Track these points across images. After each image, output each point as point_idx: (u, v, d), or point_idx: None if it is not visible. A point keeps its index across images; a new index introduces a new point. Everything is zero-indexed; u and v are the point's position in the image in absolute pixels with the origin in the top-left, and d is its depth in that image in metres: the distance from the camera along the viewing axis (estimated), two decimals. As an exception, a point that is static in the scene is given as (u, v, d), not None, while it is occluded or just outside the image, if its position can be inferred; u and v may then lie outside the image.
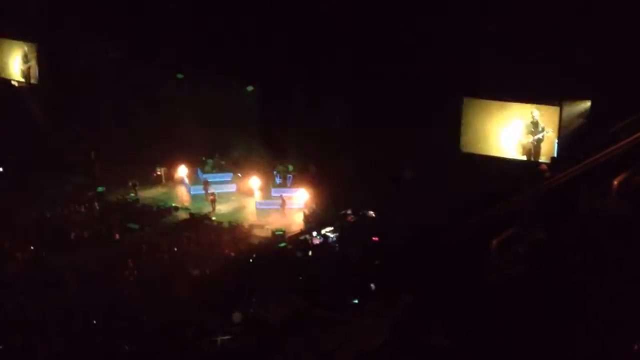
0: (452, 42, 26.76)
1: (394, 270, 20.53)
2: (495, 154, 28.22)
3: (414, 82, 27.54)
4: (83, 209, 31.30)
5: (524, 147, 27.68)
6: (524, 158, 27.63)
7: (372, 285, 20.19)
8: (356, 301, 19.20)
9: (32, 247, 26.04)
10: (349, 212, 29.62)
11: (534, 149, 27.48)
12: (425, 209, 26.30)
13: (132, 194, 33.86)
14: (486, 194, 24.69)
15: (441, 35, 26.92)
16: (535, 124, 27.32)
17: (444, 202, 24.67)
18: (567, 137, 26.61)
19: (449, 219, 24.50)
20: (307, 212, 31.43)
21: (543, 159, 26.92)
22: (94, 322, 19.68)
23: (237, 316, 19.47)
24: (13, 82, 39.63)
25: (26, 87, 39.23)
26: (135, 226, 29.47)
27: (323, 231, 28.16)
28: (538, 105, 27.23)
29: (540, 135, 27.22)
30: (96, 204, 32.02)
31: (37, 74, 38.62)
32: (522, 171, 25.73)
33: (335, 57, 29.85)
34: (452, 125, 28.76)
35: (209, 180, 34.63)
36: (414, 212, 26.09)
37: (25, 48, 39.02)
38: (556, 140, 26.75)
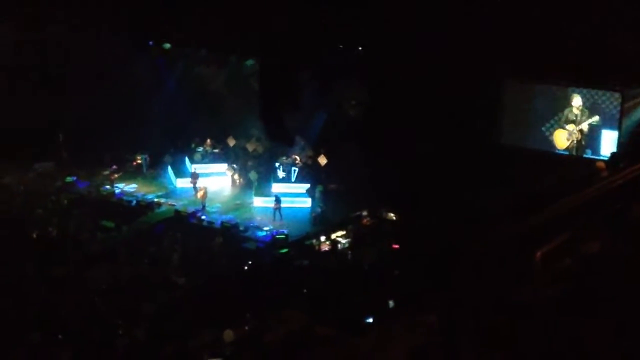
0: (491, 11, 26.56)
1: (416, 285, 20.50)
2: (540, 147, 28.11)
3: (444, 60, 27.38)
4: (48, 203, 31.33)
5: (568, 139, 27.61)
6: (571, 152, 27.54)
7: (390, 302, 20.14)
8: (370, 320, 19.15)
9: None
10: (365, 213, 29.61)
11: (578, 142, 27.37)
12: (455, 211, 26.28)
13: (107, 186, 33.94)
14: (528, 195, 24.71)
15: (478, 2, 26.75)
16: (582, 112, 27.18)
17: (477, 203, 24.60)
18: (630, 129, 26.42)
19: (482, 223, 24.51)
20: (314, 212, 31.41)
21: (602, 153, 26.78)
22: (57, 337, 19.67)
23: (228, 334, 19.42)
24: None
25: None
26: (110, 224, 29.53)
27: (333, 236, 28.12)
28: (591, 90, 27.07)
29: (585, 124, 27.11)
30: (64, 196, 32.10)
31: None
32: (573, 168, 25.68)
33: (352, 28, 29.71)
34: (489, 112, 28.63)
35: (198, 171, 34.66)
36: (442, 215, 26.05)
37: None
38: (617, 133, 26.56)
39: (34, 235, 27.96)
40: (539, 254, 14.14)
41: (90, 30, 34.67)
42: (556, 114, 27.79)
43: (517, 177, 25.78)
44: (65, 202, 31.77)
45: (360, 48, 31.05)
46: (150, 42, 36.32)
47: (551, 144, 28.02)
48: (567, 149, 27.72)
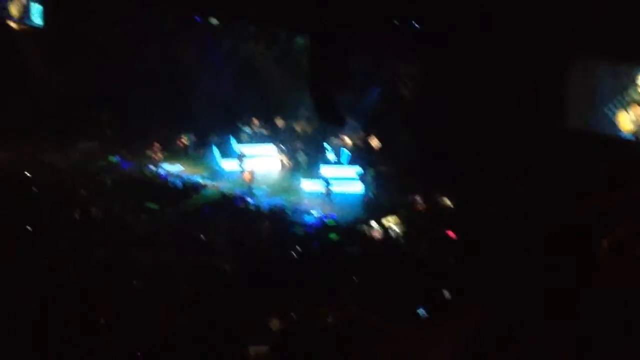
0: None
1: (473, 275, 20.32)
2: (603, 129, 27.54)
3: (506, 38, 26.96)
4: (91, 183, 31.69)
5: (633, 121, 26.99)
6: (637, 136, 26.92)
7: (445, 293, 19.99)
8: (423, 311, 19.03)
9: (27, 228, 26.31)
10: (418, 198, 29.39)
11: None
12: (516, 197, 25.99)
13: (152, 166, 34.22)
14: (595, 180, 24.33)
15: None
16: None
17: (539, 188, 24.28)
18: None
19: (545, 211, 24.18)
20: (365, 197, 31.28)
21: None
22: (99, 321, 19.86)
23: (275, 322, 19.46)
24: (9, 23, 39.93)
25: (26, 30, 39.54)
26: (155, 206, 29.72)
27: (384, 222, 27.98)
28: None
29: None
30: (108, 176, 32.44)
31: (37, 11, 38.59)
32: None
33: (408, 2, 29.43)
34: (554, 93, 28.12)
35: (244, 153, 34.67)
36: (501, 201, 25.79)
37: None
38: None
39: (77, 216, 28.24)
40: (605, 242, 13.91)
41: (135, 5, 34.88)
42: (620, 93, 27.16)
43: (581, 162, 25.41)
44: (109, 182, 32.05)
45: (416, 24, 30.68)
46: (197, 18, 36.42)
47: (616, 127, 27.42)
48: (632, 131, 27.09)
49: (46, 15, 37.83)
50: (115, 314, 20.05)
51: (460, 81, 28.78)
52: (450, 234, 25.83)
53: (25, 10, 38.46)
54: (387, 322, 17.89)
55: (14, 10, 38.66)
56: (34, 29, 38.47)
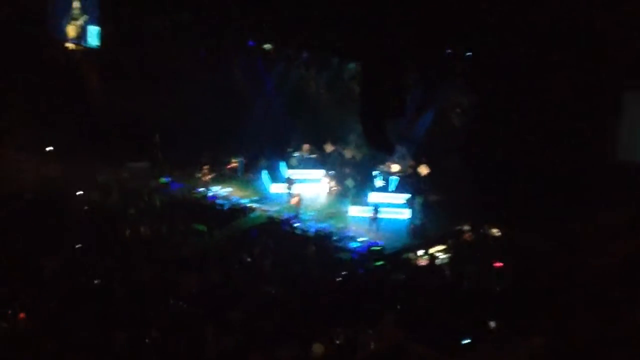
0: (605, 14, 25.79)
1: (521, 304, 20.09)
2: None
3: (557, 69, 26.81)
4: (141, 203, 32.09)
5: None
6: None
7: (492, 323, 19.79)
8: (468, 340, 18.85)
9: (74, 246, 26.61)
10: (466, 228, 29.24)
11: None
12: (566, 229, 25.69)
13: (201, 188, 34.50)
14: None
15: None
16: None
17: (589, 221, 23.97)
18: None
19: (594, 244, 23.87)
20: (412, 224, 31.17)
21: None
22: (144, 340, 20.00)
23: (318, 347, 19.37)
24: (67, 45, 40.59)
25: (81, 51, 40.17)
26: (203, 227, 29.93)
27: (431, 250, 27.85)
28: None
29: None
30: (157, 197, 32.83)
31: (94, 33, 39.10)
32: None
33: (460, 31, 29.41)
34: (607, 124, 27.84)
35: (293, 177, 34.85)
36: (550, 232, 25.52)
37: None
38: None
39: (126, 235, 28.53)
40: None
41: (190, 29, 35.32)
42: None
43: (633, 196, 25.10)
44: (159, 203, 32.35)
45: (468, 53, 30.67)
46: (251, 43, 36.80)
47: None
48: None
49: (103, 38, 38.41)
50: (160, 335, 20.19)
51: (513, 112, 28.68)
52: (498, 264, 25.63)
53: (83, 32, 39.08)
54: (430, 350, 17.73)
55: (72, 31, 39.33)
56: (91, 50, 39.10)
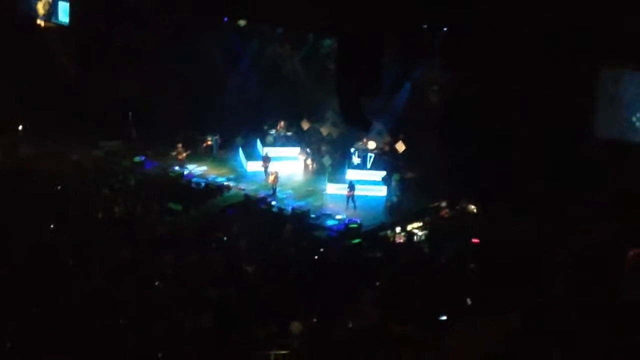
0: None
1: (497, 282, 20.24)
2: (631, 138, 27.21)
3: (534, 45, 26.85)
4: (115, 183, 31.96)
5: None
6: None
7: (468, 300, 19.96)
8: (445, 318, 19.00)
9: (50, 226, 26.49)
10: (443, 204, 29.39)
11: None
12: (542, 205, 25.85)
13: (176, 167, 34.42)
14: (621, 192, 24.15)
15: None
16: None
17: (567, 198, 24.12)
18: None
19: (572, 222, 24.06)
20: (389, 201, 31.29)
21: None
22: (121, 321, 20.00)
23: (295, 326, 19.44)
24: (37, 22, 40.02)
25: (52, 28, 39.63)
26: (178, 207, 29.92)
27: (409, 227, 28.02)
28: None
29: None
30: (131, 176, 32.73)
31: (64, 10, 38.66)
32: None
33: (437, 6, 29.35)
34: (581, 102, 27.92)
35: (270, 155, 34.85)
36: (528, 208, 25.66)
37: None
38: None
39: (100, 216, 28.43)
40: (631, 254, 13.82)
41: (163, 4, 35.07)
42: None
43: (608, 172, 25.25)
44: (133, 182, 32.24)
45: (444, 29, 30.65)
46: (225, 19, 36.59)
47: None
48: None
49: (72, 14, 37.96)
50: (137, 314, 20.19)
51: (489, 88, 28.69)
52: (475, 241, 25.80)
53: (53, 9, 38.64)
54: (408, 327, 17.86)
55: (42, 8, 38.90)
56: (61, 27, 38.69)
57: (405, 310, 19.53)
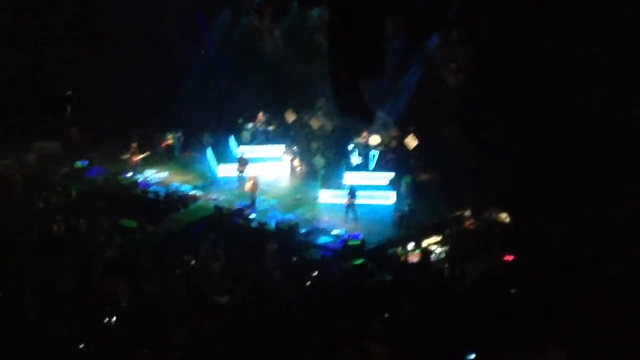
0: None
1: (539, 310, 20.19)
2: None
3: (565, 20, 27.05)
4: (52, 194, 31.80)
5: None
6: None
7: (504, 336, 19.89)
8: (472, 357, 18.95)
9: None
10: (468, 213, 29.37)
11: None
12: (584, 212, 25.91)
13: (128, 173, 34.33)
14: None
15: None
16: None
17: (610, 204, 24.19)
18: None
19: (622, 231, 24.17)
20: (399, 211, 31.26)
21: None
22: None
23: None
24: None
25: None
26: (132, 224, 29.89)
27: (424, 243, 27.99)
28: None
29: None
30: (72, 185, 32.58)
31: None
32: None
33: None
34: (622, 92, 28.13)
35: (246, 156, 34.79)
36: (573, 216, 25.67)
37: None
38: None
39: (34, 237, 28.29)
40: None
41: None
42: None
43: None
44: (74, 193, 32.19)
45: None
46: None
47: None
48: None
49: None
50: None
51: (519, 66, 28.75)
52: (509, 258, 25.75)
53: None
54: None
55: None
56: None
57: (421, 348, 19.48)
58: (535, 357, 12.83)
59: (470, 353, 18.91)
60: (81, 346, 20.69)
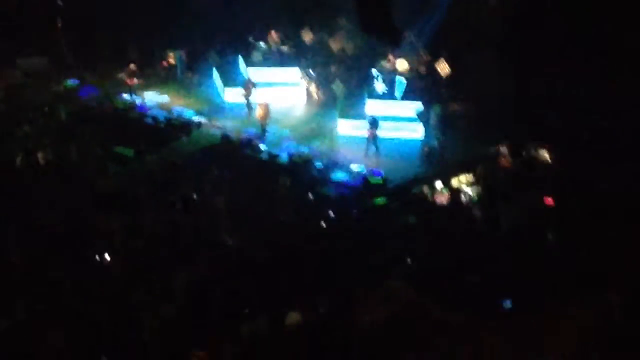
0: None
1: (582, 256, 20.36)
2: None
3: None
4: (39, 117, 32.01)
5: None
6: None
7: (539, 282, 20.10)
8: (509, 304, 19.15)
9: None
10: (504, 149, 29.38)
11: None
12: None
13: (125, 95, 34.45)
14: None
15: None
16: None
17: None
18: None
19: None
20: (427, 146, 31.32)
21: None
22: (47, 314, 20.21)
23: (293, 316, 19.56)
24: None
25: None
26: (128, 152, 30.00)
27: (454, 182, 28.05)
28: None
29: None
30: (62, 108, 32.73)
31: None
32: None
33: None
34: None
35: (257, 79, 34.84)
36: (617, 154, 25.74)
37: None
38: None
39: (17, 163, 28.52)
40: None
41: None
42: None
43: None
44: (64, 116, 32.33)
45: None
46: None
47: None
48: None
49: None
50: (72, 300, 20.38)
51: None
52: (549, 200, 25.85)
53: None
54: (457, 316, 18.01)
55: None
56: None
57: (450, 292, 19.66)
58: (585, 301, 13.06)
59: (507, 300, 19.14)
60: (68, 287, 20.98)
